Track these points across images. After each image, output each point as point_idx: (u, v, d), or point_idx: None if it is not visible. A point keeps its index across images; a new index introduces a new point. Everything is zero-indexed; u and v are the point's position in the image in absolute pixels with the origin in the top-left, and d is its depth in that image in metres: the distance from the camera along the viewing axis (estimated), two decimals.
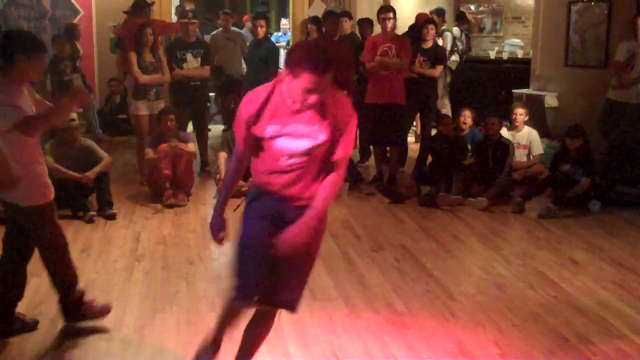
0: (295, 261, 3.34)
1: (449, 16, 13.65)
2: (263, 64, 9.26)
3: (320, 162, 3.27)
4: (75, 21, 11.36)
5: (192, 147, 7.75)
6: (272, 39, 14.49)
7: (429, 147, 8.12)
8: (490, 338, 4.39)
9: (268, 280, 3.34)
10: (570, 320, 4.66)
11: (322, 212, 3.30)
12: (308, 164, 3.24)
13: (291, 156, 3.22)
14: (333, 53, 3.11)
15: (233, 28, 11.27)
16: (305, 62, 3.03)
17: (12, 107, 4.03)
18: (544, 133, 9.07)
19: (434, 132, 8.58)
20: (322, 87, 3.07)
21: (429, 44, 8.81)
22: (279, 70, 10.31)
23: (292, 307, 3.50)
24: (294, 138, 3.19)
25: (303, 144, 3.19)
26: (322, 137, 3.19)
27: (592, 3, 8.89)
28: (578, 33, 9.37)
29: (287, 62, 3.11)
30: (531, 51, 10.97)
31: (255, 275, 3.32)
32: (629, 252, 6.08)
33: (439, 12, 11.26)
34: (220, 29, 11.17)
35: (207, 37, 11.90)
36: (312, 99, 3.08)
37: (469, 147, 8.20)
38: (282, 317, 4.61)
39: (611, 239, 6.45)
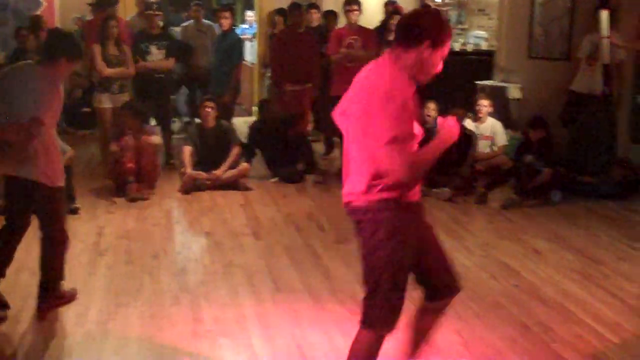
0: None
1: (415, 7, 13.69)
2: (227, 56, 9.24)
3: None
4: (38, 13, 11.21)
5: (156, 139, 7.71)
6: (238, 31, 14.42)
7: None
8: (453, 327, 4.43)
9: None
10: (532, 309, 4.73)
11: None
12: None
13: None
14: None
15: (205, 20, 11.16)
16: (447, 28, 2.97)
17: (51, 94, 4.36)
18: (507, 124, 9.14)
19: None
20: None
21: (393, 36, 8.83)
22: (243, 62, 10.29)
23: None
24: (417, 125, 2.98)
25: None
26: None
27: None
28: (542, 26, 9.47)
29: (429, 35, 2.91)
30: (495, 43, 11.06)
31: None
32: (590, 240, 6.18)
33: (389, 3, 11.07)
34: (192, 20, 11.10)
35: (177, 29, 11.80)
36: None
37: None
38: (246, 310, 4.65)
39: (572, 228, 6.54)
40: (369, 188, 3.00)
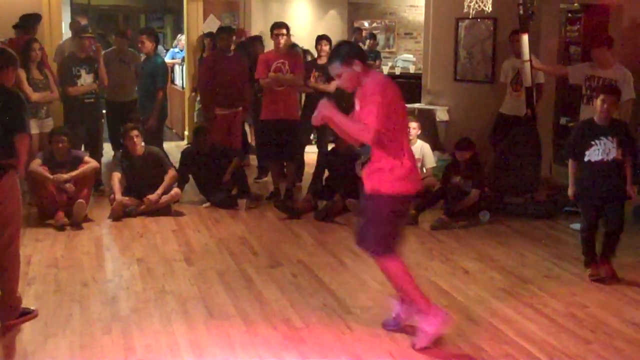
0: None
1: (345, 31, 13.91)
2: (151, 79, 9.14)
3: None
4: None
5: (90, 161, 7.59)
6: (169, 54, 14.38)
7: (325, 162, 8.21)
8: (385, 349, 4.48)
9: None
10: (463, 329, 4.80)
11: None
12: None
13: None
14: None
15: (129, 49, 10.99)
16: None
17: None
18: (436, 146, 9.31)
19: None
20: None
21: (323, 60, 8.92)
22: (172, 85, 10.21)
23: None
24: None
25: None
26: None
27: (479, 20, 9.21)
28: (466, 49, 9.69)
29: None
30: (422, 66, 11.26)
31: None
32: (517, 260, 6.31)
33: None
34: (114, 47, 10.95)
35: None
36: None
37: None
38: (179, 337, 4.61)
39: (500, 248, 6.68)
40: None
